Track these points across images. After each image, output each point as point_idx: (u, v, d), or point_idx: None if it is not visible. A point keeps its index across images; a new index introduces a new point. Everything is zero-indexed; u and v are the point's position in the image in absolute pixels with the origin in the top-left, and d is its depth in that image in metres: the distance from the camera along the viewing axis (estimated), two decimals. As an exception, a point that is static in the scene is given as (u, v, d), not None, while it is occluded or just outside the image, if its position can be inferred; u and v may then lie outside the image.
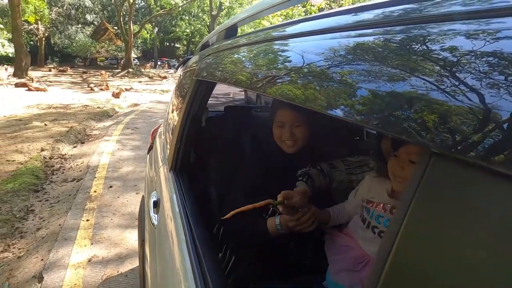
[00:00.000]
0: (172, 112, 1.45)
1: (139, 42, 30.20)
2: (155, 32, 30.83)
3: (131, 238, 2.31)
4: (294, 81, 0.46)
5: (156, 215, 0.98)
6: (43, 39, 22.77)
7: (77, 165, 3.83)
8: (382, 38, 0.37)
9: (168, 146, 1.27)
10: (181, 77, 1.52)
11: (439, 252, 0.23)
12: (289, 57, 0.54)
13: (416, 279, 0.24)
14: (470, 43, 0.26)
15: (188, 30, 31.14)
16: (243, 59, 0.70)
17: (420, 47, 0.31)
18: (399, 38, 0.34)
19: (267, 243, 0.91)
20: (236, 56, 0.76)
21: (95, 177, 3.39)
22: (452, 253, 0.22)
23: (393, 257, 0.26)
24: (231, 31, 1.02)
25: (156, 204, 1.02)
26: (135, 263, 2.03)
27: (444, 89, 0.25)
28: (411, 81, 0.29)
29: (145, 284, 1.09)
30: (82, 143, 4.85)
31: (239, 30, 1.10)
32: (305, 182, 0.92)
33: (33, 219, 2.57)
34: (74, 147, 4.61)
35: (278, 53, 0.60)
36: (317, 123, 1.01)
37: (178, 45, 38.17)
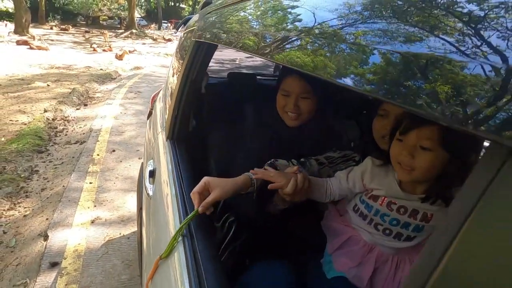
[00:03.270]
0: (173, 76, 1.37)
1: (142, 1, 28.74)
2: (159, -11, 29.18)
3: (133, 202, 2.35)
4: (303, 45, 0.39)
5: (151, 185, 0.96)
6: (43, -6, 21.74)
7: (80, 127, 3.82)
8: None
9: (167, 112, 1.21)
10: (182, 38, 1.41)
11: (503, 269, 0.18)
12: (299, 15, 0.46)
13: None
14: None
15: (194, -11, 29.42)
16: (248, 16, 0.61)
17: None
18: None
19: (266, 221, 0.89)
20: (240, 13, 0.67)
21: (98, 141, 3.39)
22: None
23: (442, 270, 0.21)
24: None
25: (152, 174, 0.99)
26: (136, 226, 2.08)
27: None
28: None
29: (142, 248, 1.10)
30: (85, 105, 4.80)
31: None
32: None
33: (37, 180, 2.61)
34: (77, 109, 4.57)
35: (288, 9, 0.51)
36: (325, 100, 0.94)
37: (183, 6, 36.33)
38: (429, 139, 0.57)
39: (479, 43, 0.21)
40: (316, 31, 0.39)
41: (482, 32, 0.22)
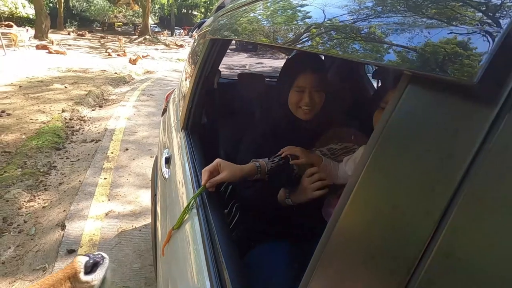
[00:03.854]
0: (186, 80, 1.47)
1: (156, 7, 29.55)
2: (173, -3, 29.96)
3: (145, 197, 2.45)
4: (314, 40, 0.44)
5: (167, 170, 1.04)
6: (62, 1, 22.64)
7: (95, 127, 3.98)
8: None
9: (181, 109, 1.30)
10: (194, 43, 1.51)
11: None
12: (308, 12, 0.53)
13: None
14: None
15: (206, -3, 30.09)
16: (258, 16, 0.70)
17: None
18: None
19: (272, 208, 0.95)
20: (251, 14, 0.75)
21: (112, 140, 3.53)
22: None
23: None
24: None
25: (168, 160, 1.08)
26: (147, 220, 2.17)
27: None
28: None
29: (156, 235, 1.18)
30: (100, 106, 4.98)
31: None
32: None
33: (55, 174, 2.75)
34: (93, 110, 4.75)
35: (297, 8, 0.59)
36: (332, 92, 1.01)
37: (195, 13, 37.13)
38: None
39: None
40: (327, 24, 0.44)
41: None
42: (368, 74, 1.92)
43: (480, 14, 0.24)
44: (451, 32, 0.24)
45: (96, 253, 0.76)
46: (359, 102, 1.15)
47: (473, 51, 0.22)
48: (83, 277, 0.66)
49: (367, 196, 0.29)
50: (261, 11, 0.69)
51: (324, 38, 0.42)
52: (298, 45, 0.47)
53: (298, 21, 0.53)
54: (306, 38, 0.46)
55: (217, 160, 0.79)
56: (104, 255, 0.74)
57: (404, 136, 0.27)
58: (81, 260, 0.68)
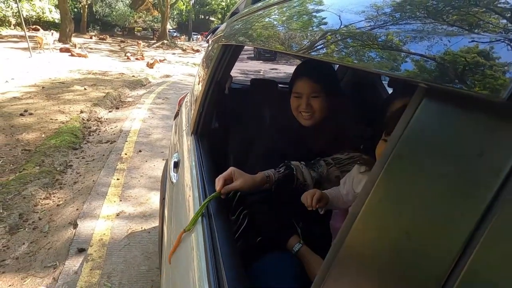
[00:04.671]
0: (198, 84, 1.48)
1: (175, 13, 30.33)
2: (191, 3, 30.66)
3: (155, 199, 2.47)
4: (329, 48, 0.43)
5: (175, 174, 1.04)
6: (86, 6, 23.60)
7: (111, 128, 4.07)
8: None
9: (192, 112, 1.31)
10: (208, 48, 1.52)
11: None
12: (324, 18, 0.51)
13: None
14: None
15: (223, 3, 30.57)
16: (272, 21, 0.69)
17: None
18: None
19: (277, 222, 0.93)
20: (265, 20, 0.75)
21: (126, 141, 3.60)
22: None
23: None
24: (259, -4, 0.99)
25: (177, 165, 1.08)
26: (157, 222, 2.19)
27: None
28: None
29: (163, 238, 1.18)
30: (117, 108, 5.11)
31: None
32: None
33: (71, 173, 2.82)
34: (110, 111, 4.88)
35: (313, 13, 0.57)
36: (336, 98, 0.99)
37: (212, 19, 37.80)
38: None
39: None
40: (343, 31, 0.42)
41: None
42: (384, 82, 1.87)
43: (505, 21, 0.22)
44: (472, 41, 0.22)
45: None
46: (372, 110, 1.12)
47: (496, 61, 0.20)
48: None
49: (374, 221, 0.26)
50: (275, 17, 0.68)
51: (339, 45, 0.40)
52: (312, 53, 0.45)
53: (313, 27, 0.52)
54: (321, 46, 0.45)
55: (232, 168, 0.80)
56: None
57: (418, 154, 0.24)
58: None
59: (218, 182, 0.77)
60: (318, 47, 0.45)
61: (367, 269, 0.28)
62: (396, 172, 0.26)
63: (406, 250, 0.23)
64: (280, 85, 1.84)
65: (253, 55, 12.37)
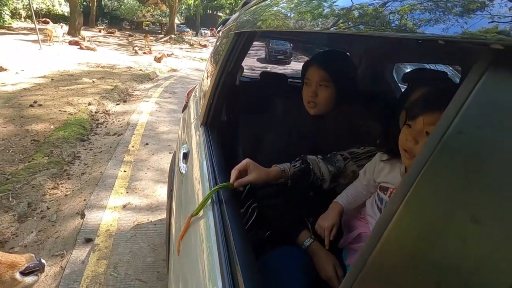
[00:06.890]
0: (207, 78, 1.46)
1: (183, 8, 30.28)
2: (199, -2, 30.58)
3: (161, 192, 2.47)
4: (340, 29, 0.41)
5: (184, 165, 1.03)
6: (95, 0, 23.71)
7: (118, 121, 4.09)
8: None
9: (201, 106, 1.29)
10: (218, 41, 1.50)
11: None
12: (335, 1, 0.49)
13: None
14: None
15: (231, -2, 30.46)
16: (285, 8, 0.66)
17: None
18: None
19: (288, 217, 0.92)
20: (276, 8, 0.72)
21: (133, 134, 3.61)
22: None
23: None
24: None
25: (186, 156, 1.06)
26: (163, 215, 2.19)
27: None
28: None
29: (170, 230, 1.18)
30: (125, 101, 5.13)
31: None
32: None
33: (78, 164, 2.84)
34: (117, 104, 4.90)
35: None
36: (347, 92, 0.97)
37: (220, 14, 37.67)
38: (434, 125, 0.56)
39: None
40: (356, 14, 0.41)
41: None
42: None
43: None
44: None
45: (43, 260, 0.85)
46: (385, 106, 1.09)
47: None
48: (17, 275, 0.76)
49: (417, 223, 0.23)
50: (287, 5, 0.66)
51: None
52: (340, 27, 0.42)
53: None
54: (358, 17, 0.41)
55: (247, 160, 0.79)
56: (44, 265, 0.84)
57: (475, 147, 0.19)
58: (28, 260, 0.79)
59: (233, 173, 0.76)
60: (347, 21, 0.42)
61: (407, 284, 0.24)
62: (451, 158, 0.20)
63: (463, 265, 0.19)
64: (289, 80, 1.81)
65: (264, 57, 11.94)
